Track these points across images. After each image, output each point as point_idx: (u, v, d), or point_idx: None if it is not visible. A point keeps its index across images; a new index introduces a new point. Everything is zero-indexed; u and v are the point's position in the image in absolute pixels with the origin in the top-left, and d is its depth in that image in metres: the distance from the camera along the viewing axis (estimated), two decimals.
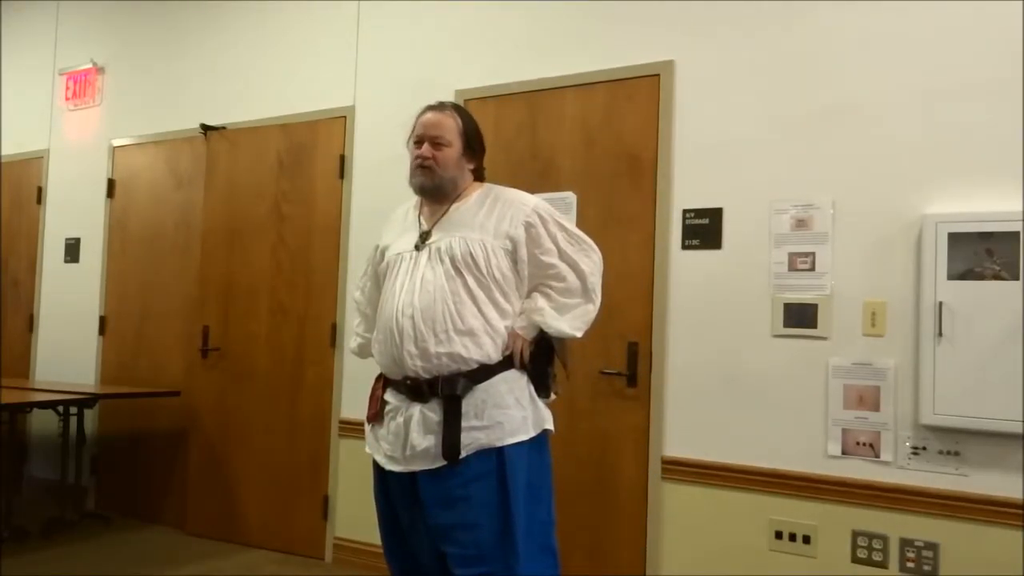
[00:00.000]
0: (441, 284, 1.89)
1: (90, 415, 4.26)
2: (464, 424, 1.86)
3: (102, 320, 4.56)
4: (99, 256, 4.61)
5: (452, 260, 1.91)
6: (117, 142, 4.61)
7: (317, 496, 3.71)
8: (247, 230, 3.97)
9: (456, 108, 2.09)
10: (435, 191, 2.02)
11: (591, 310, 1.99)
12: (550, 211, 2.01)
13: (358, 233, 3.66)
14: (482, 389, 1.88)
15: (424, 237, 1.99)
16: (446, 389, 1.87)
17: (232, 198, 4.03)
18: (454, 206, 2.02)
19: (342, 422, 3.66)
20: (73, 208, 4.77)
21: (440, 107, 2.05)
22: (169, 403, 4.14)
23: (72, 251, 4.75)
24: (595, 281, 1.99)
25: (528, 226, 1.95)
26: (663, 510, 2.89)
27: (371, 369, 2.10)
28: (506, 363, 1.93)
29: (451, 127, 2.01)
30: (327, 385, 3.72)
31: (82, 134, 4.80)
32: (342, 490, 3.65)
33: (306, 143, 3.86)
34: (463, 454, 1.85)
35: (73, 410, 4.06)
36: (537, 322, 1.95)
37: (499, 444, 1.87)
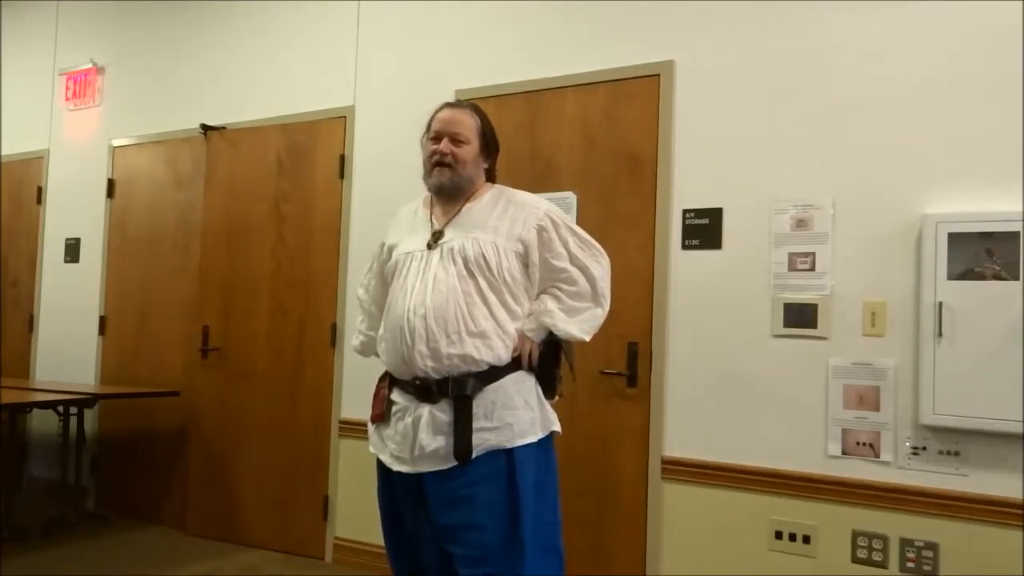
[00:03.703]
0: (453, 285, 1.89)
1: (90, 415, 4.26)
2: (474, 425, 1.86)
3: (102, 320, 4.56)
4: (99, 256, 4.61)
5: (465, 261, 1.90)
6: (117, 142, 4.61)
7: (317, 496, 3.71)
8: (247, 230, 3.96)
9: (474, 107, 2.08)
10: (453, 190, 2.01)
11: (600, 314, 1.99)
12: (561, 215, 2.02)
13: (358, 233, 3.66)
14: (491, 390, 1.88)
15: (436, 236, 1.98)
16: (456, 389, 1.87)
17: (232, 198, 4.03)
18: (467, 206, 2.01)
19: (342, 422, 3.66)
20: (73, 208, 4.77)
21: (459, 105, 2.06)
22: (169, 403, 4.14)
23: (72, 251, 4.75)
24: (604, 286, 2.00)
25: (540, 230, 1.96)
26: (663, 510, 2.89)
27: (372, 369, 2.10)
28: (514, 364, 1.93)
29: (470, 125, 2.01)
30: (327, 385, 3.72)
31: (82, 134, 4.80)
32: (342, 490, 3.65)
33: (306, 143, 3.86)
34: (473, 455, 1.85)
35: (73, 410, 4.06)
36: (547, 324, 1.95)
37: (509, 445, 1.87)
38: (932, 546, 2.47)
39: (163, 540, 3.93)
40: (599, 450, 3.02)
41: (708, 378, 2.84)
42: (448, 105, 2.06)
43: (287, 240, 3.87)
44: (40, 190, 4.94)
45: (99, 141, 4.69)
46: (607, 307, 2.01)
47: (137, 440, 4.36)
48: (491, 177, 2.10)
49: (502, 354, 1.90)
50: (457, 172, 1.98)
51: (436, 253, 1.95)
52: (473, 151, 2.00)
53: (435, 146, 2.00)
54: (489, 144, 2.05)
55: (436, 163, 1.99)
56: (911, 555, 2.50)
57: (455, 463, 1.85)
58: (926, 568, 2.47)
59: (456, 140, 1.98)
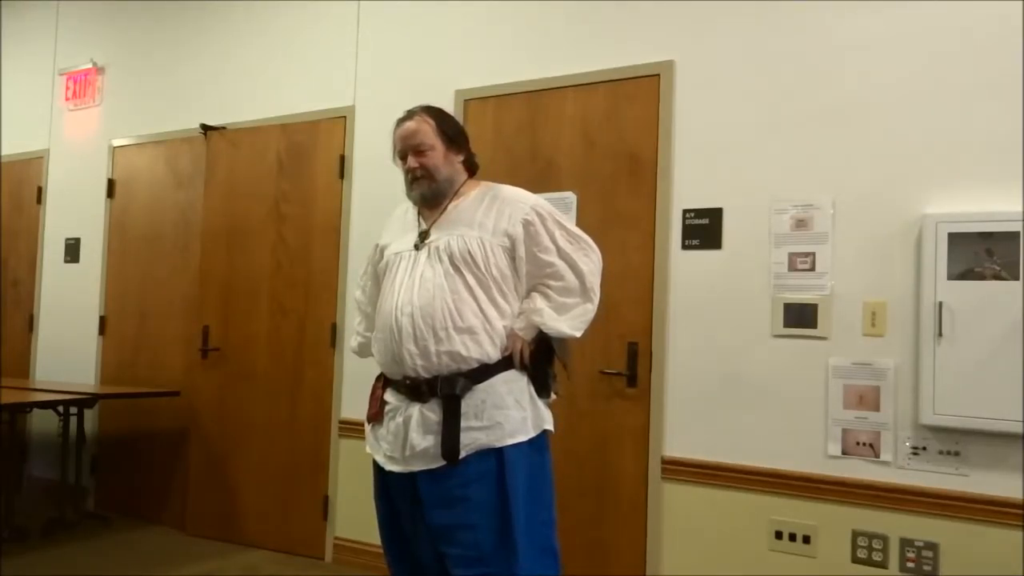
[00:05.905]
0: (440, 282, 1.90)
1: (90, 415, 4.26)
2: (464, 424, 1.85)
3: (102, 320, 4.56)
4: (99, 256, 4.61)
5: (451, 258, 1.91)
6: (117, 142, 4.61)
7: (317, 496, 3.71)
8: (247, 230, 3.96)
9: (426, 110, 2.08)
10: (435, 196, 2.03)
11: (590, 309, 1.98)
12: (550, 209, 2.01)
13: (358, 233, 3.66)
14: (481, 389, 1.88)
15: (423, 236, 1.99)
16: (445, 389, 1.87)
17: (232, 198, 4.03)
18: (452, 204, 2.02)
19: (342, 422, 3.66)
20: (73, 208, 4.77)
21: (409, 116, 2.06)
22: (169, 403, 4.14)
23: (72, 251, 4.75)
24: (594, 281, 1.98)
25: (527, 224, 1.95)
26: (663, 510, 2.89)
27: (371, 369, 2.10)
28: (506, 363, 1.92)
29: (427, 131, 2.02)
30: (327, 385, 3.72)
31: (82, 134, 4.80)
32: (342, 490, 3.65)
33: (306, 143, 3.86)
34: (462, 454, 1.85)
35: (73, 410, 4.06)
36: (536, 323, 1.94)
37: (498, 445, 1.87)
38: (932, 546, 2.47)
39: (163, 540, 3.93)
40: (599, 450, 3.02)
41: (708, 378, 2.84)
42: (400, 121, 2.07)
43: (287, 240, 3.87)
44: (40, 190, 4.94)
45: (99, 141, 4.69)
46: (597, 302, 1.99)
47: (137, 440, 4.36)
48: (471, 166, 2.10)
49: (490, 351, 1.90)
50: (433, 179, 2.01)
51: (423, 252, 1.96)
52: (440, 154, 2.02)
53: (404, 165, 2.04)
54: (453, 138, 2.05)
55: (412, 179, 2.03)
56: (911, 555, 2.50)
57: (444, 462, 1.86)
58: (926, 568, 2.47)
59: (419, 151, 2.01)
